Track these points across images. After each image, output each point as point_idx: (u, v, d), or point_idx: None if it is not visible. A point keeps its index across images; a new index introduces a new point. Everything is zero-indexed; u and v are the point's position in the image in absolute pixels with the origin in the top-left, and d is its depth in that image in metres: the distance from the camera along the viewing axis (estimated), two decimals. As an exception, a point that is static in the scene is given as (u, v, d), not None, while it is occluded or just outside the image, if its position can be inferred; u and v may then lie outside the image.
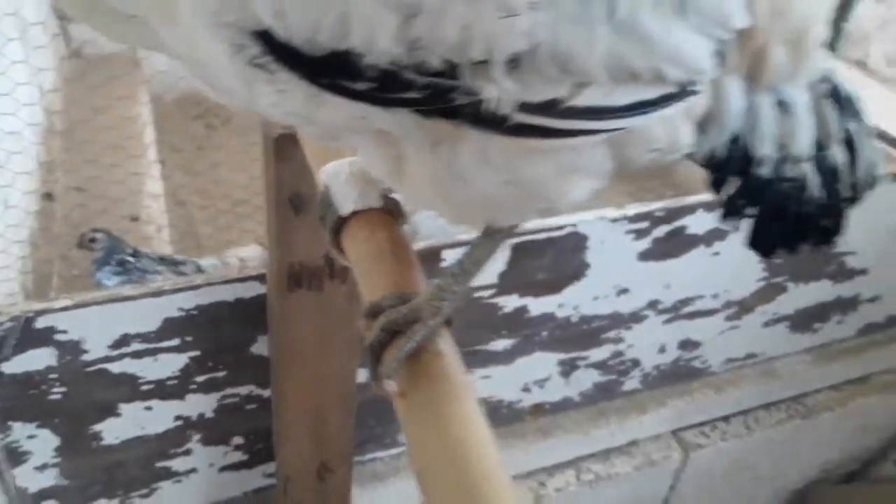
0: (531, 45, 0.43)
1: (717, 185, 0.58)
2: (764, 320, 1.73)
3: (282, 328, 1.10)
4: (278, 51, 0.45)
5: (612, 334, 1.53)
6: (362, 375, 1.18)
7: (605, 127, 0.48)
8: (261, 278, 1.12)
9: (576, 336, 1.48)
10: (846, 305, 1.84)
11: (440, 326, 0.60)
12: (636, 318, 1.53)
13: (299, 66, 0.45)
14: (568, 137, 0.48)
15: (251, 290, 1.12)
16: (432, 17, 0.42)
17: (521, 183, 0.51)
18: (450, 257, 1.18)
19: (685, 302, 1.57)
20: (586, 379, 1.57)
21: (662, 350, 1.64)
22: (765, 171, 0.57)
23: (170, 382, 1.15)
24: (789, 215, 0.60)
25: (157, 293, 1.06)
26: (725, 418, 1.78)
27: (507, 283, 1.31)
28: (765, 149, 0.56)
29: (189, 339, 1.12)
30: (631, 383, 1.65)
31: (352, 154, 0.73)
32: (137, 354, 1.10)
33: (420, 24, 0.42)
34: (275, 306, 1.08)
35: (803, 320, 1.79)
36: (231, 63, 0.46)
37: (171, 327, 1.09)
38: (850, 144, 0.58)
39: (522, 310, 1.36)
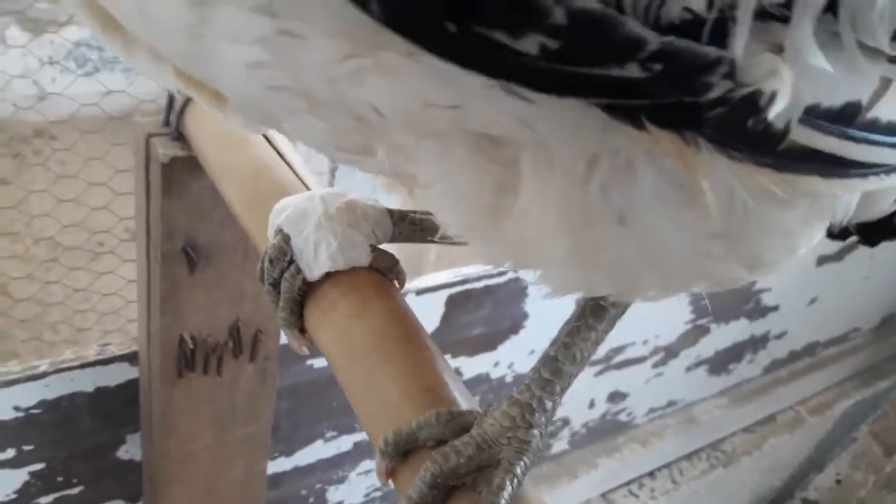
0: None
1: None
2: (687, 364, 1.61)
3: (164, 425, 0.80)
4: None
5: (544, 393, 1.33)
6: (272, 484, 0.91)
7: None
8: (131, 358, 0.82)
9: (508, 398, 1.27)
10: (757, 343, 1.77)
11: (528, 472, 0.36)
12: (570, 372, 1.34)
13: None
14: (861, 176, 0.27)
15: (118, 375, 0.82)
16: None
17: (741, 235, 0.29)
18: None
19: (617, 350, 1.41)
20: (515, 446, 1.36)
21: (592, 405, 1.47)
22: None
23: (-1, 511, 0.82)
24: None
25: (-20, 389, 0.74)
26: (651, 473, 1.63)
27: (439, 343, 1.07)
28: None
29: (29, 447, 0.80)
30: (559, 445, 1.46)
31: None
32: (-51, 478, 0.76)
33: None
34: (154, 397, 0.79)
35: (721, 362, 1.69)
36: None
37: (1, 435, 0.77)
38: None
39: (455, 373, 1.13)
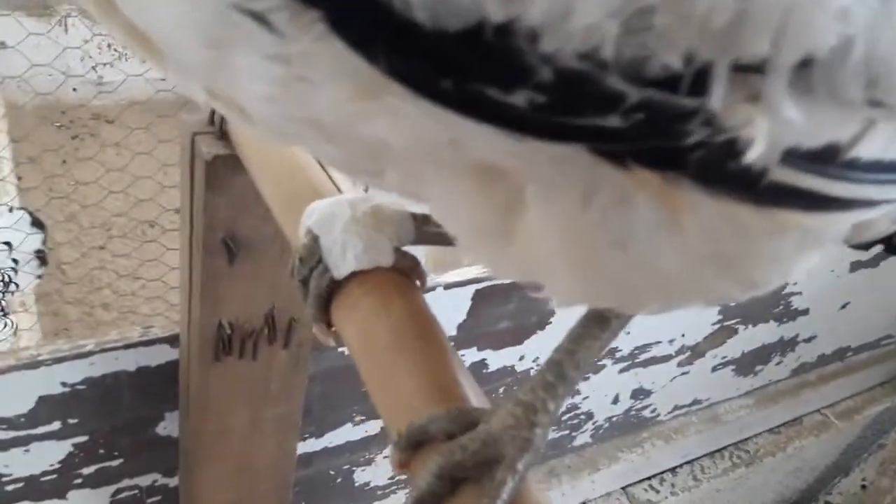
0: (841, 41, 0.24)
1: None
2: (713, 365, 1.62)
3: (200, 405, 0.85)
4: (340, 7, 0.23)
5: (568, 387, 1.36)
6: (302, 463, 0.95)
7: (890, 196, 0.30)
8: (172, 340, 0.87)
9: (532, 391, 1.30)
10: (786, 346, 1.77)
11: (529, 468, 0.39)
12: (594, 367, 1.37)
13: (391, 46, 0.24)
14: (843, 210, 0.29)
15: (159, 356, 0.86)
16: None
17: (732, 260, 0.31)
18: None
19: (642, 349, 1.43)
20: (538, 437, 1.40)
21: (616, 400, 1.49)
22: None
23: (46, 479, 0.87)
24: None
25: (31, 364, 0.79)
26: (673, 470, 1.65)
27: (465, 335, 1.11)
28: None
29: (73, 421, 0.85)
30: (582, 438, 1.49)
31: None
32: (2, 445, 0.82)
33: None
34: (192, 378, 0.83)
35: (748, 363, 1.70)
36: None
37: (48, 408, 0.82)
38: None
39: (481, 364, 1.16)
